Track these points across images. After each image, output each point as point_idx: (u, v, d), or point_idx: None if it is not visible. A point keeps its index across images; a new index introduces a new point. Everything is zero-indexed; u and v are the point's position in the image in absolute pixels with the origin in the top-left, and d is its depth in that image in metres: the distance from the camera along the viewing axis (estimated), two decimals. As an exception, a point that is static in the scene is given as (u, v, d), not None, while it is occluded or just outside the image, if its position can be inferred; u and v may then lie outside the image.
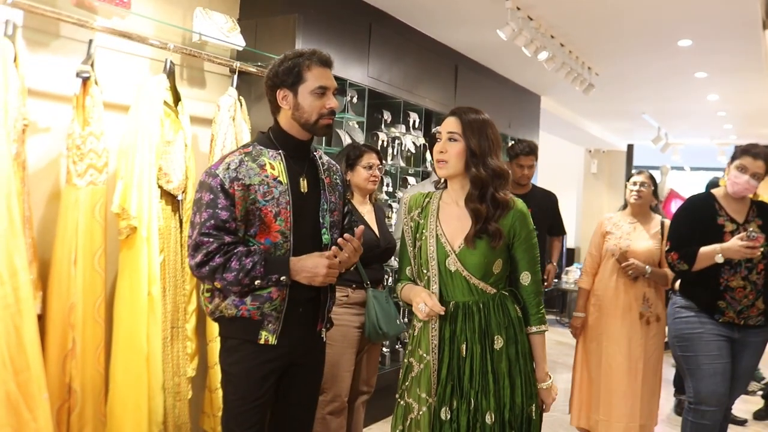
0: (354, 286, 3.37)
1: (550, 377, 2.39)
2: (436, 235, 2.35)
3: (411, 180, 5.35)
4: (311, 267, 2.29)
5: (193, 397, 3.43)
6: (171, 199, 3.28)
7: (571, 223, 11.51)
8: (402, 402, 2.42)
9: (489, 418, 2.25)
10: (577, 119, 9.33)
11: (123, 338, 3.01)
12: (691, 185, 11.30)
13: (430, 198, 2.45)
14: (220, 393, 3.46)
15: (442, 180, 2.47)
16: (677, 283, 3.63)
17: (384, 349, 5.00)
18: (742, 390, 3.70)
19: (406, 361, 2.44)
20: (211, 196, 2.26)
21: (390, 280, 5.11)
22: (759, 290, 3.39)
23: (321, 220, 2.43)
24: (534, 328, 2.37)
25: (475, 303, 2.31)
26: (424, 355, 2.34)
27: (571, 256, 11.03)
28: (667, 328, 3.58)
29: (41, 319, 2.78)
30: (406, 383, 2.40)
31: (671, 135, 10.32)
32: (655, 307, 3.91)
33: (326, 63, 2.39)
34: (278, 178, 2.34)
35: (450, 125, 2.35)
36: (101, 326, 2.95)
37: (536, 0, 4.56)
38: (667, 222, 3.88)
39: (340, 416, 3.39)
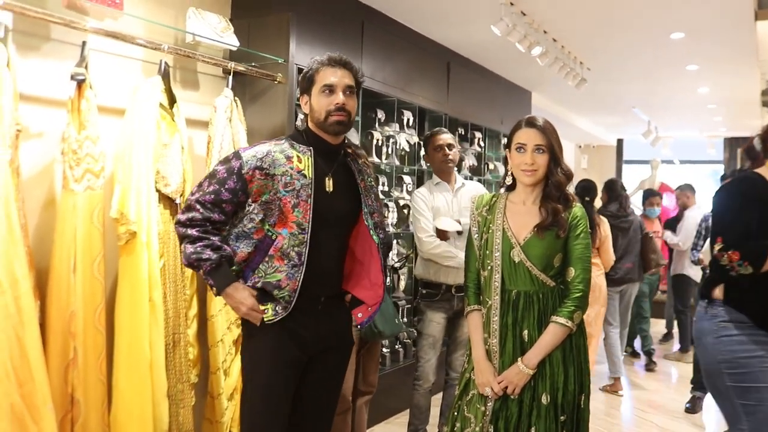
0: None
1: (531, 369, 2.47)
2: (503, 229, 2.56)
3: (406, 179, 5.32)
4: (239, 298, 2.42)
5: (196, 404, 3.37)
6: (169, 202, 3.21)
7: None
8: (467, 375, 2.60)
9: (545, 399, 2.46)
10: (568, 115, 9.33)
11: (125, 346, 2.94)
12: (681, 178, 11.36)
13: (497, 198, 2.67)
14: (222, 399, 3.42)
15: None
16: (717, 290, 2.75)
17: (384, 350, 4.96)
18: None
19: (466, 375, 2.62)
20: (225, 175, 2.40)
21: (387, 280, 5.08)
22: None
23: (367, 223, 2.55)
24: (559, 318, 2.48)
25: (535, 293, 2.52)
26: (486, 336, 2.56)
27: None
28: (705, 350, 2.81)
29: (40, 328, 2.71)
30: (466, 397, 2.59)
31: (661, 128, 10.33)
32: None
33: (334, 63, 2.49)
34: (303, 171, 2.44)
35: (536, 138, 2.52)
36: (102, 334, 2.89)
37: (530, -6, 4.53)
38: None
39: (343, 415, 3.37)
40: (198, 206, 2.39)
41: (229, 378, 3.46)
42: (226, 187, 2.38)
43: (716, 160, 11.25)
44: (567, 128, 10.15)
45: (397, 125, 5.14)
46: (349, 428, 3.47)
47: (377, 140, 4.92)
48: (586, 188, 5.59)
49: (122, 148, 3.00)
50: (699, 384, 5.30)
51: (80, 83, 2.82)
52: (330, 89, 2.45)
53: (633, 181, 11.38)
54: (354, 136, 4.56)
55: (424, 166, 5.29)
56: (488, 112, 6.59)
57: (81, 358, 2.80)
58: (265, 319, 2.42)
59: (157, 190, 3.11)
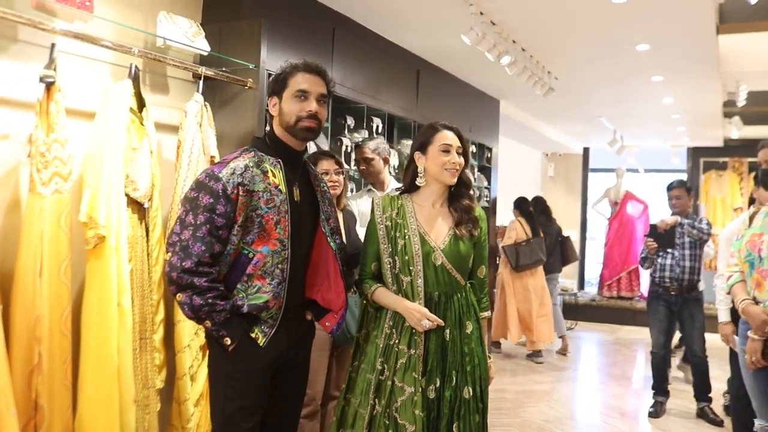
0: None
1: (490, 357, 2.77)
2: (419, 233, 2.64)
3: (374, 185, 5.33)
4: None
5: (161, 410, 3.34)
6: (137, 207, 3.19)
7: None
8: (390, 382, 2.57)
9: (467, 393, 2.59)
10: (535, 123, 9.43)
11: (92, 351, 2.91)
12: (646, 187, 11.54)
13: (402, 201, 2.73)
14: (189, 405, 3.40)
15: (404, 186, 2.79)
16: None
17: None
18: None
19: (396, 347, 2.60)
20: (211, 200, 2.29)
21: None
22: None
23: (323, 230, 2.52)
24: (484, 314, 2.76)
25: (453, 293, 2.65)
26: (416, 339, 2.58)
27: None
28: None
29: (4, 333, 2.65)
30: (396, 367, 2.57)
31: (626, 138, 10.49)
32: None
33: (310, 70, 2.47)
34: (279, 186, 2.40)
35: (457, 141, 2.69)
36: (68, 339, 2.85)
37: (499, 5, 4.58)
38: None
39: (313, 420, 3.40)
40: (196, 244, 2.26)
41: (196, 383, 3.44)
42: (217, 212, 2.28)
43: (680, 169, 11.47)
44: (534, 136, 10.27)
45: (367, 132, 5.16)
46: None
47: (346, 146, 4.93)
48: (525, 200, 7.55)
49: (92, 151, 2.97)
50: (660, 389, 5.41)
51: (49, 85, 2.78)
52: (304, 95, 2.43)
53: (599, 189, 11.56)
54: (323, 142, 4.57)
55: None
56: (457, 119, 6.59)
57: (46, 363, 2.76)
58: (261, 345, 2.38)
59: (126, 195, 3.09)
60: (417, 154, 2.70)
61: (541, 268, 7.36)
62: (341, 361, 3.63)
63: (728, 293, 3.32)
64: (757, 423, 3.19)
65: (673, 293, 5.22)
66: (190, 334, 3.41)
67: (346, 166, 4.84)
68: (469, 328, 2.65)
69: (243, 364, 2.39)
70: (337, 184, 3.53)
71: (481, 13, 4.66)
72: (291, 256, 2.41)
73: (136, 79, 3.20)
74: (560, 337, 7.71)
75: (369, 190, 4.11)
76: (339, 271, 2.53)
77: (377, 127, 5.28)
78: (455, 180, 2.67)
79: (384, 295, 2.66)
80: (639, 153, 11.41)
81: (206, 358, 2.77)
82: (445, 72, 6.43)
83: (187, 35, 3.51)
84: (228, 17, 3.87)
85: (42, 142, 2.77)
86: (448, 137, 2.67)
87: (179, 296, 2.29)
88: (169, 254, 2.30)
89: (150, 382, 3.23)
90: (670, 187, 5.41)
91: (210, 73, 3.56)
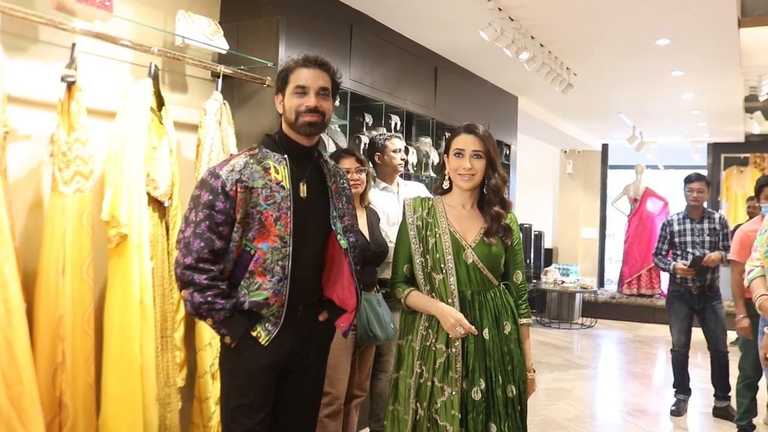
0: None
1: (534, 371, 2.74)
2: (450, 232, 2.62)
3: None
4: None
5: (183, 408, 3.36)
6: (158, 205, 3.20)
7: (548, 223, 11.56)
8: (429, 383, 2.55)
9: (510, 392, 2.58)
10: (553, 120, 9.37)
11: (115, 349, 2.92)
12: (665, 184, 11.45)
13: (433, 202, 2.72)
14: (210, 403, 3.41)
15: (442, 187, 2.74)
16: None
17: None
18: None
19: (434, 347, 2.57)
20: (210, 197, 2.31)
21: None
22: None
23: (334, 227, 2.49)
24: (523, 320, 2.71)
25: (486, 292, 2.61)
26: (451, 340, 2.55)
27: (549, 256, 11.07)
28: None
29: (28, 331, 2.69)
30: (435, 367, 2.55)
31: (646, 134, 10.40)
32: None
33: (309, 63, 2.43)
34: (281, 183, 2.39)
35: (474, 144, 2.60)
36: (91, 337, 2.87)
37: (517, 0, 4.55)
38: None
39: (336, 419, 3.39)
40: (196, 240, 2.28)
41: (217, 382, 3.44)
42: (217, 209, 2.30)
43: (700, 165, 11.34)
44: (553, 133, 10.21)
45: (385, 129, 5.15)
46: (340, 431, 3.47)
47: (364, 144, 4.93)
48: None
49: (114, 150, 2.99)
50: (681, 387, 5.36)
51: (70, 85, 2.80)
52: (303, 90, 2.40)
53: (618, 186, 11.47)
54: (342, 140, 4.57)
55: (411, 170, 5.31)
56: (475, 116, 6.61)
57: (69, 361, 2.78)
58: (263, 344, 2.37)
59: (147, 193, 3.10)
60: (444, 157, 2.69)
61: None
62: (363, 360, 3.63)
63: (748, 288, 3.27)
64: None
65: (695, 292, 5.16)
66: (211, 333, 3.41)
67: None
68: (508, 328, 2.61)
69: (245, 362, 2.40)
70: (358, 182, 3.52)
71: (500, 9, 4.63)
72: (293, 253, 2.38)
73: (155, 78, 3.21)
74: None
75: (384, 188, 4.10)
76: (350, 271, 2.50)
77: (395, 124, 5.26)
78: (469, 185, 2.62)
79: (418, 298, 2.63)
80: (658, 149, 11.30)
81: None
82: (463, 69, 6.40)
83: (205, 34, 3.51)
84: (246, 15, 3.88)
85: (63, 141, 2.79)
86: (460, 141, 2.62)
87: (183, 293, 2.33)
88: (177, 251, 2.36)
89: (171, 380, 3.25)
90: (689, 180, 5.32)
91: (229, 71, 3.56)
